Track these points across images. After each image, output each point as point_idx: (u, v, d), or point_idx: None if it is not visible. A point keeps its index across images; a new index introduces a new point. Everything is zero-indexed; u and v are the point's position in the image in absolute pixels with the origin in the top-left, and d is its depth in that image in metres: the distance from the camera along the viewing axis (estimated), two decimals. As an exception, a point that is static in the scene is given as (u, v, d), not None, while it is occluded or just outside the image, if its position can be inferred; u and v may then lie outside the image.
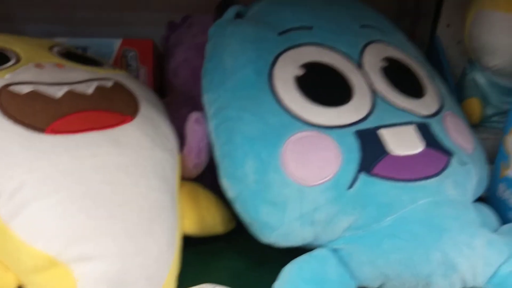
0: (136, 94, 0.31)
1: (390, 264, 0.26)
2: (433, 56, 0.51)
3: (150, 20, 0.54)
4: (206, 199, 0.32)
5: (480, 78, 0.44)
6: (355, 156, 0.28)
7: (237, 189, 0.29)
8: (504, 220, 0.35)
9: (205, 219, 0.32)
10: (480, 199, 0.37)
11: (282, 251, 0.29)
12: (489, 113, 0.44)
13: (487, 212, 0.34)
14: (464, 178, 0.31)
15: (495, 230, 0.32)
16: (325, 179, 0.27)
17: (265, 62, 0.31)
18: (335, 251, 0.27)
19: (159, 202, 0.27)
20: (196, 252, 0.33)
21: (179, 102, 0.43)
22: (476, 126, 0.44)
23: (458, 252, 0.26)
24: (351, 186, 0.27)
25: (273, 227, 0.28)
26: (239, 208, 0.29)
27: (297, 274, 0.26)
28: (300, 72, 0.31)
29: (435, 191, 0.28)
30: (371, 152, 0.28)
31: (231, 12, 0.36)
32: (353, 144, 0.28)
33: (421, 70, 0.36)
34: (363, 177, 0.27)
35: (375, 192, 0.27)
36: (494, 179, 0.37)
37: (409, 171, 0.28)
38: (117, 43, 0.44)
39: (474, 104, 0.44)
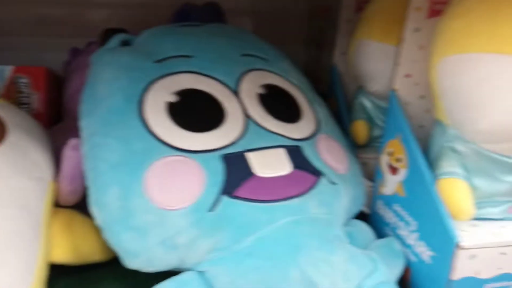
0: (7, 122, 0.31)
1: (250, 284, 0.27)
2: (332, 82, 0.54)
3: (53, 46, 0.54)
4: (83, 226, 0.32)
5: (366, 102, 0.47)
6: (219, 179, 0.29)
7: (103, 216, 0.29)
8: (381, 236, 0.37)
9: (80, 247, 0.31)
10: (364, 216, 0.39)
11: (166, 275, 0.29)
12: (376, 134, 0.47)
13: (363, 228, 0.36)
14: (331, 197, 0.32)
15: (367, 246, 0.34)
16: (187, 203, 0.28)
17: (136, 89, 0.31)
18: (200, 273, 0.28)
19: (15, 232, 0.26)
20: (77, 280, 0.32)
21: (73, 128, 0.42)
22: (364, 146, 0.47)
23: (315, 269, 0.27)
24: (212, 209, 0.28)
25: (136, 254, 0.28)
26: (105, 235, 0.29)
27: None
28: (172, 98, 0.32)
29: (297, 211, 0.30)
30: (235, 175, 0.29)
31: (115, 40, 0.36)
32: (218, 168, 0.29)
33: (300, 96, 0.38)
34: (224, 199, 0.28)
35: (235, 214, 0.28)
36: (373, 196, 0.39)
37: (272, 192, 0.29)
38: (8, 70, 0.43)
39: (360, 126, 0.47)
